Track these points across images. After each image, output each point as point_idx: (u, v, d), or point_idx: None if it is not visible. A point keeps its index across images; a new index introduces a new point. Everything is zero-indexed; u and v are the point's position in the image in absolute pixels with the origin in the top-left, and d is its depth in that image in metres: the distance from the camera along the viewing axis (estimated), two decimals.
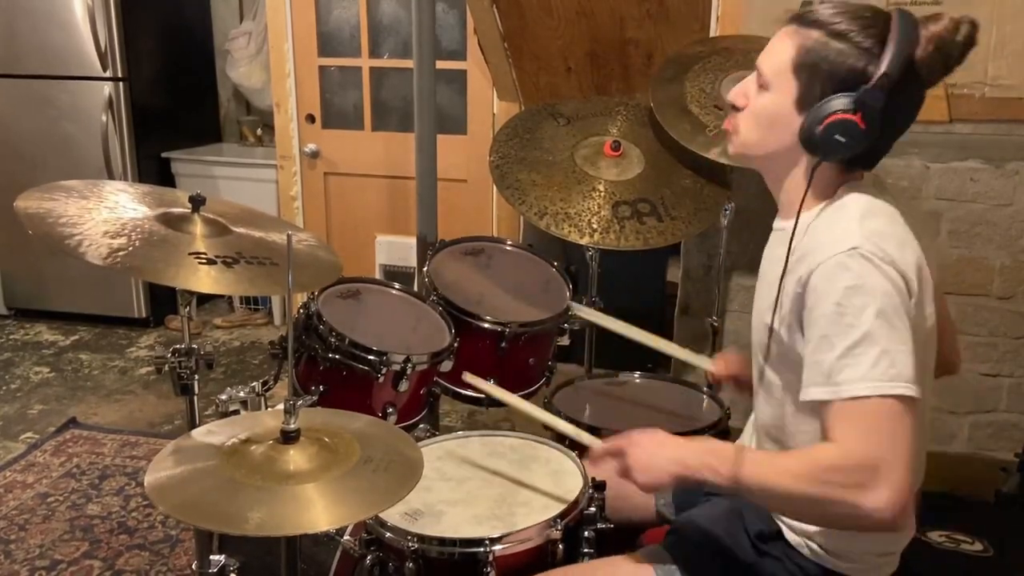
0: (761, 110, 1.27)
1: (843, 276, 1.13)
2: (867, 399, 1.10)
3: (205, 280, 1.36)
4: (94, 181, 1.55)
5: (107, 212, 1.44)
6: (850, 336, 1.11)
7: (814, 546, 1.29)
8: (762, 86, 1.27)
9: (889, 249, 1.16)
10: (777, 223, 1.35)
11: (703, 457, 1.21)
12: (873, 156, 1.24)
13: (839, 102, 1.16)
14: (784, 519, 1.33)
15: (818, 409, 1.16)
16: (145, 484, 1.12)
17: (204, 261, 1.38)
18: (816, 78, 1.19)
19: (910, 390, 1.10)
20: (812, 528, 1.29)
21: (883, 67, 1.14)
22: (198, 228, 1.48)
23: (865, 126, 1.15)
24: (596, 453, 1.38)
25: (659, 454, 1.25)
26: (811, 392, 1.15)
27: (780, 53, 1.23)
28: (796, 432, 1.28)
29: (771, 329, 1.27)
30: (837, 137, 1.17)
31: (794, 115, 1.22)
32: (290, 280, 1.25)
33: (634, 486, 1.28)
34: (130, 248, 1.35)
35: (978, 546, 1.90)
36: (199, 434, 1.27)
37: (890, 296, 1.13)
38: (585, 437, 1.46)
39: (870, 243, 1.15)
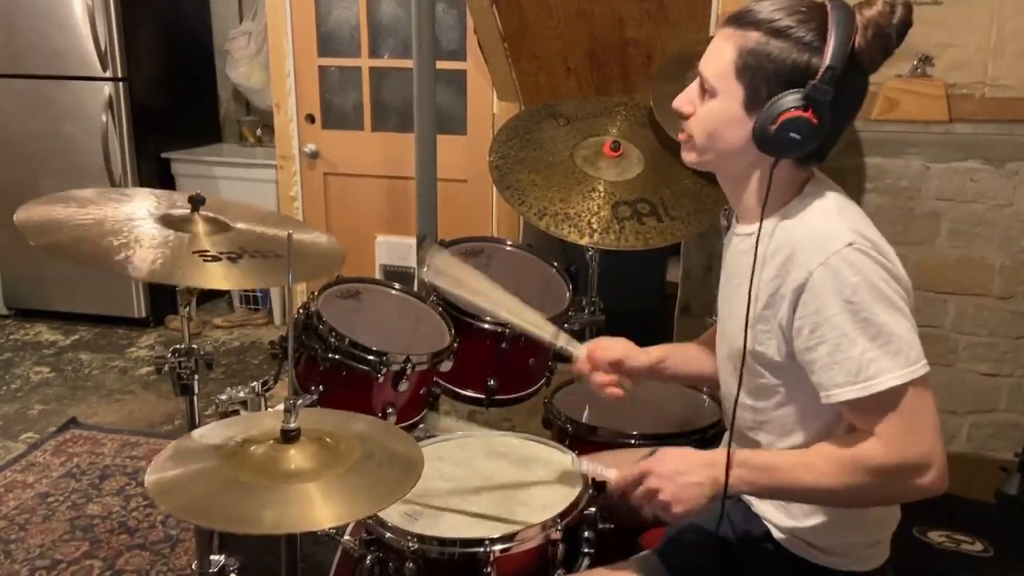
0: (709, 116, 1.25)
1: (847, 273, 1.14)
2: (899, 387, 1.13)
3: (212, 277, 1.39)
4: (100, 191, 1.57)
5: (112, 220, 1.46)
6: (868, 330, 1.13)
7: (803, 544, 1.30)
8: (707, 91, 1.25)
9: (875, 239, 1.18)
10: (739, 228, 1.33)
11: (733, 469, 1.20)
12: (824, 149, 1.24)
13: (789, 100, 1.15)
14: (771, 520, 1.33)
15: (841, 406, 1.17)
16: (146, 484, 1.11)
17: (209, 259, 1.40)
18: (761, 79, 1.18)
19: (927, 367, 1.14)
20: (800, 526, 1.29)
21: (827, 60, 1.14)
22: (200, 227, 1.49)
23: (817, 121, 1.15)
24: (616, 485, 1.31)
25: (689, 472, 1.22)
26: (839, 393, 1.16)
27: (721, 57, 1.22)
28: (780, 424, 1.29)
29: (746, 332, 1.26)
30: (792, 135, 1.16)
31: (744, 118, 1.21)
32: (290, 278, 1.25)
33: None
34: (150, 256, 1.37)
35: (978, 546, 1.90)
36: (199, 435, 1.27)
37: (888, 283, 1.15)
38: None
39: (860, 237, 1.16)
